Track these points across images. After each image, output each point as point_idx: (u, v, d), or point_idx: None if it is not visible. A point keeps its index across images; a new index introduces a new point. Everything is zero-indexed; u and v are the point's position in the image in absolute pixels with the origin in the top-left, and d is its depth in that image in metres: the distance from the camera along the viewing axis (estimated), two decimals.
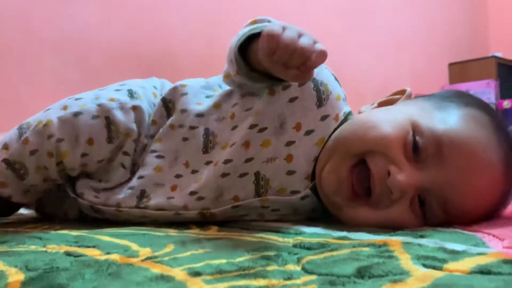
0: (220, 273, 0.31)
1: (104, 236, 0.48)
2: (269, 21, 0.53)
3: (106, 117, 0.56)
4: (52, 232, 0.51)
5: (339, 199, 0.51)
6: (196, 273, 0.31)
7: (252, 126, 0.53)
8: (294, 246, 0.41)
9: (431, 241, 0.39)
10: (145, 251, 0.40)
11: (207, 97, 0.59)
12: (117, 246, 0.43)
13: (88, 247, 0.42)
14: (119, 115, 0.56)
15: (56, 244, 0.44)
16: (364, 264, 0.32)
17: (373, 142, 0.50)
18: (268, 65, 0.43)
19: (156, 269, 0.33)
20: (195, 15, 2.15)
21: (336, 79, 0.58)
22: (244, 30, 0.51)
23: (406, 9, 3.17)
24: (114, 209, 0.57)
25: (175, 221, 0.57)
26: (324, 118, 0.54)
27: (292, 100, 0.54)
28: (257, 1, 2.35)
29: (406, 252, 0.35)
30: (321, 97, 0.54)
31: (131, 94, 0.58)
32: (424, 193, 0.49)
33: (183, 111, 0.58)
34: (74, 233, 0.50)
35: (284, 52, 0.40)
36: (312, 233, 0.47)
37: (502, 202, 0.51)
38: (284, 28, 0.41)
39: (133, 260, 0.36)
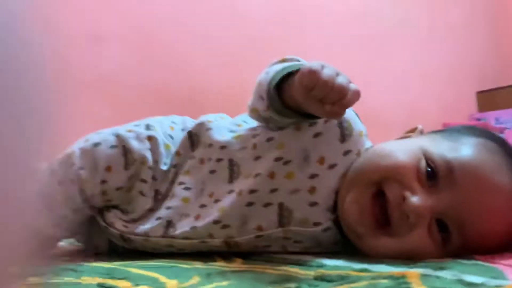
0: None
1: (134, 268, 0.50)
2: (298, 60, 0.56)
3: (123, 146, 0.60)
4: (86, 264, 0.54)
5: (362, 228, 0.53)
6: None
7: (277, 159, 0.56)
8: (315, 278, 0.42)
9: (450, 273, 0.40)
10: (172, 283, 0.42)
11: (231, 131, 0.62)
12: (146, 278, 0.45)
13: (119, 279, 0.44)
14: (134, 144, 0.60)
15: (90, 276, 0.46)
16: None
17: (387, 169, 0.52)
18: (304, 100, 0.46)
19: None
20: (221, 56, 2.22)
21: (357, 115, 0.60)
22: (276, 68, 0.54)
23: (431, 38, 3.18)
24: (142, 238, 0.60)
25: (201, 250, 0.59)
26: (346, 153, 0.56)
27: (317, 135, 0.56)
28: (281, 38, 2.41)
29: (423, 284, 0.36)
30: (345, 133, 0.56)
31: (147, 127, 0.63)
32: (441, 217, 0.50)
33: (210, 145, 0.60)
34: (106, 265, 0.52)
35: (323, 88, 0.43)
36: (334, 266, 0.48)
37: None
38: (323, 66, 0.44)
39: None
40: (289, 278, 0.42)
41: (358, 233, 0.53)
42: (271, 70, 0.54)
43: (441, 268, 0.42)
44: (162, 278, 0.44)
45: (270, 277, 0.43)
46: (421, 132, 0.62)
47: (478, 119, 2.86)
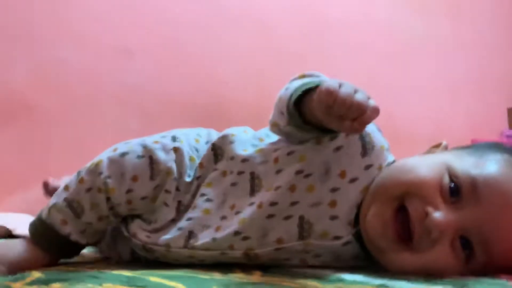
0: None
1: (154, 277, 0.51)
2: (317, 76, 0.57)
3: (149, 157, 0.60)
4: (108, 272, 0.55)
5: (383, 242, 0.52)
6: None
7: (298, 172, 0.56)
8: None
9: None
10: None
11: (253, 145, 0.63)
12: (165, 286, 0.46)
13: (139, 286, 0.45)
14: (160, 155, 0.61)
15: (111, 283, 0.47)
16: None
17: (410, 184, 0.52)
18: (324, 117, 0.47)
19: None
20: (247, 68, 2.25)
21: (379, 130, 0.60)
22: (295, 84, 0.55)
23: (460, 51, 3.13)
24: (164, 249, 0.61)
25: (221, 261, 0.59)
26: (368, 167, 0.56)
27: (338, 149, 0.56)
28: (306, 52, 2.42)
29: None
30: (366, 147, 0.56)
31: (173, 139, 0.63)
32: (464, 233, 0.49)
33: (232, 158, 0.61)
34: (128, 273, 0.53)
35: (341, 106, 0.44)
36: (352, 281, 0.48)
37: None
38: (340, 84, 0.45)
39: None
40: None
41: (380, 247, 0.53)
42: (291, 86, 0.55)
43: (463, 286, 0.42)
44: (181, 287, 0.45)
45: None
46: (446, 148, 0.61)
47: (509, 136, 2.79)
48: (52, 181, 0.95)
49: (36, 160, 1.75)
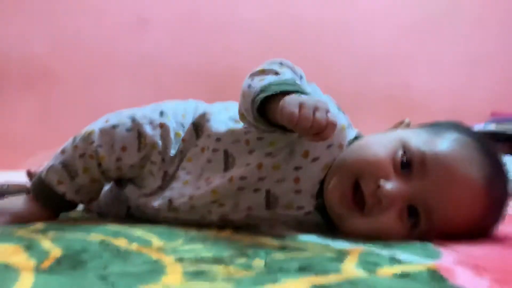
0: (197, 261, 0.41)
1: (138, 230, 0.59)
2: (278, 73, 0.60)
3: (137, 130, 0.67)
4: (99, 226, 0.63)
5: (341, 210, 0.59)
6: (180, 259, 0.41)
7: (267, 154, 0.62)
8: (278, 248, 0.49)
9: (390, 252, 0.46)
10: (159, 243, 0.50)
11: (227, 126, 0.67)
12: (141, 239, 0.54)
13: (118, 238, 0.53)
14: (147, 129, 0.67)
15: (97, 234, 0.55)
16: (307, 263, 0.39)
17: (365, 162, 0.58)
18: (289, 128, 0.52)
19: (155, 256, 0.43)
20: (260, 36, 2.28)
21: (339, 109, 0.65)
22: (256, 84, 0.58)
23: (482, 23, 3.06)
24: (153, 212, 0.69)
25: (202, 223, 0.67)
26: (329, 147, 0.61)
27: None
28: (322, 21, 2.42)
29: (357, 258, 0.42)
30: None
31: (161, 113, 0.69)
32: (412, 203, 0.55)
33: (208, 136, 0.67)
34: (115, 227, 0.61)
35: (302, 128, 0.49)
36: (304, 240, 0.54)
37: (485, 218, 0.56)
38: (300, 105, 0.50)
39: (144, 249, 0.47)
40: (255, 245, 0.49)
41: (338, 214, 0.60)
42: (253, 85, 0.59)
43: (387, 247, 0.48)
44: (154, 240, 0.53)
45: (239, 243, 0.50)
46: (408, 125, 0.66)
47: None
48: (34, 171, 1.01)
49: (54, 124, 1.86)
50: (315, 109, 0.50)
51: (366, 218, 0.57)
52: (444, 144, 0.57)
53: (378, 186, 0.55)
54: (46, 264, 0.39)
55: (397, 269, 0.38)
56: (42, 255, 0.43)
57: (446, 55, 2.94)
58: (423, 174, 0.55)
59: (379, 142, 0.60)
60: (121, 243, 0.51)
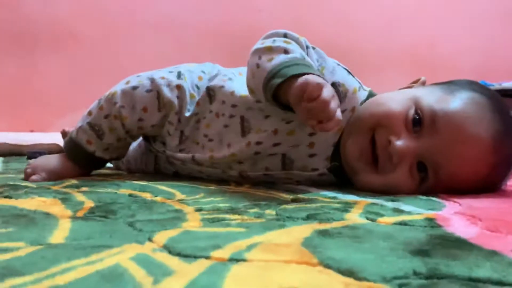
0: (214, 210, 0.45)
1: (162, 186, 0.64)
2: (285, 48, 0.60)
3: (157, 91, 0.71)
4: (128, 181, 0.68)
5: (359, 165, 0.61)
6: (199, 209, 0.45)
7: (282, 120, 0.64)
8: (291, 200, 0.53)
9: (394, 204, 0.49)
10: (181, 196, 0.55)
11: (240, 92, 0.69)
12: (166, 192, 0.58)
13: (145, 191, 0.58)
14: (165, 90, 0.71)
15: (126, 189, 0.60)
16: (314, 212, 0.43)
17: (379, 117, 0.60)
18: (295, 107, 0.53)
19: (177, 206, 0.47)
20: None
21: (349, 72, 0.67)
22: (266, 68, 0.58)
23: None
24: (180, 163, 0.73)
25: (223, 178, 0.71)
26: (343, 111, 0.62)
27: None
28: None
29: (362, 209, 0.46)
30: (340, 96, 0.63)
31: (179, 75, 0.73)
32: (421, 159, 0.57)
33: (223, 102, 0.70)
34: (142, 183, 0.66)
35: (318, 106, 0.50)
36: (317, 194, 0.58)
37: (492, 175, 0.58)
38: (322, 86, 0.50)
39: (168, 201, 0.51)
40: (269, 198, 0.53)
41: (355, 169, 0.63)
42: (263, 66, 0.59)
43: (392, 200, 0.51)
44: (177, 193, 0.58)
45: (256, 197, 0.54)
46: (423, 83, 0.68)
47: None
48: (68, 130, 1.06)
49: (81, 84, 1.92)
50: (333, 96, 0.51)
51: (380, 175, 0.60)
52: (456, 102, 0.58)
53: (389, 142, 0.57)
54: (81, 213, 0.44)
55: (398, 218, 0.41)
56: (77, 206, 0.48)
57: (472, 12, 2.84)
58: (433, 131, 0.57)
59: (392, 99, 0.62)
60: (147, 196, 0.55)
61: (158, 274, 0.26)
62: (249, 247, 0.31)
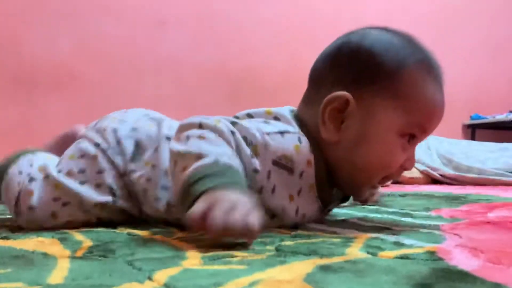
0: (214, 248, 0.44)
1: (160, 223, 0.64)
2: (199, 154, 0.50)
3: None
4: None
5: None
6: (199, 246, 0.45)
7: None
8: (292, 236, 0.52)
9: (395, 238, 0.49)
10: (180, 234, 0.54)
11: None
12: (163, 230, 0.58)
13: (144, 230, 0.58)
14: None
15: (124, 228, 0.60)
16: (315, 247, 0.43)
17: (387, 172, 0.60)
18: None
19: (177, 244, 0.47)
20: (278, 33, 2.31)
21: (266, 121, 0.60)
22: (178, 182, 0.50)
23: (502, 11, 3.01)
24: None
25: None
26: (300, 174, 0.57)
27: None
28: (339, 15, 2.43)
29: (362, 243, 0.45)
30: (289, 169, 0.57)
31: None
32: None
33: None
34: (139, 222, 0.66)
35: (215, 234, 0.42)
36: (315, 228, 0.58)
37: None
38: (210, 208, 0.43)
39: (167, 238, 0.51)
40: (268, 234, 0.52)
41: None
42: (176, 177, 0.51)
43: (393, 234, 0.51)
44: (176, 231, 0.57)
45: None
46: None
47: None
48: None
49: (80, 123, 1.93)
50: (230, 209, 0.42)
51: None
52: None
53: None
54: (80, 252, 0.44)
55: (399, 252, 0.41)
56: (75, 245, 0.47)
57: (467, 43, 2.91)
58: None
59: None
60: (146, 234, 0.55)
61: None
62: (251, 284, 0.31)
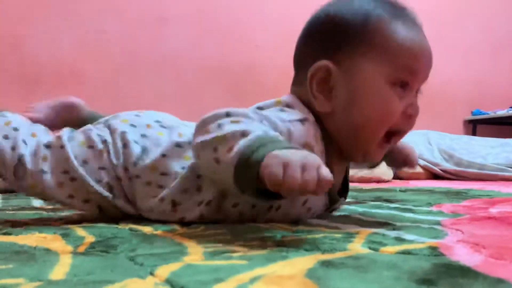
0: (216, 243, 0.44)
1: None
2: (243, 131, 0.48)
3: None
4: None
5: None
6: (200, 242, 0.45)
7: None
8: (293, 231, 0.52)
9: (396, 233, 0.49)
10: (181, 230, 0.54)
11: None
12: (165, 226, 0.58)
13: (146, 225, 0.58)
14: None
15: (126, 223, 0.60)
16: (317, 243, 0.43)
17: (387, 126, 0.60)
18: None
19: (179, 240, 0.47)
20: (279, 30, 2.30)
21: (282, 110, 0.60)
22: (231, 162, 0.46)
23: (504, 6, 3.00)
24: None
25: None
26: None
27: None
28: None
29: (364, 239, 0.45)
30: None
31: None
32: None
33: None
34: (142, 218, 0.66)
35: (290, 192, 0.42)
36: (317, 223, 0.58)
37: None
38: (285, 167, 0.42)
39: (169, 234, 0.51)
40: (270, 230, 0.52)
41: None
42: (223, 160, 0.47)
43: (395, 229, 0.51)
44: (177, 227, 0.57)
45: (256, 228, 0.54)
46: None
47: None
48: None
49: None
50: (304, 166, 0.42)
51: None
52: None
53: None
54: (82, 248, 0.44)
55: (401, 247, 0.41)
56: (77, 241, 0.47)
57: (467, 41, 2.90)
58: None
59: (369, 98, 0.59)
60: (148, 229, 0.55)
61: None
62: (252, 280, 0.31)
